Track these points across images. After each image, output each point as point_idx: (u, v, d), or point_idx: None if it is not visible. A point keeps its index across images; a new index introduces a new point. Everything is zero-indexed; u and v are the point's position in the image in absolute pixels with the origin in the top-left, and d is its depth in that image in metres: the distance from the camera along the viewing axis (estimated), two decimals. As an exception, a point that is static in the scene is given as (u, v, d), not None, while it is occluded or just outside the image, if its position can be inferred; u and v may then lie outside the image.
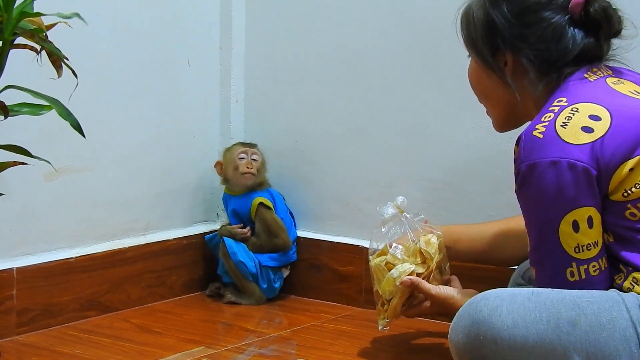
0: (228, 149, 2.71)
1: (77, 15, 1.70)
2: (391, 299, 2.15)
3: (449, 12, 2.45)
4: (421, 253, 2.15)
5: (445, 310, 2.11)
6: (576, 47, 1.87)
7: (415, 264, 2.14)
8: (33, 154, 1.79)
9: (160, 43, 2.64)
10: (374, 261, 2.18)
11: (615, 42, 1.91)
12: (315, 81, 2.70)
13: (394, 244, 2.17)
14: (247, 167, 2.65)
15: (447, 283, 2.16)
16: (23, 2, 1.67)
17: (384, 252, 2.18)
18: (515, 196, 1.84)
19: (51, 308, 2.38)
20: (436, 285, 2.13)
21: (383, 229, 2.19)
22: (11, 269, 2.31)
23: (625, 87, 1.86)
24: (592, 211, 1.76)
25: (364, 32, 2.61)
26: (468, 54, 1.99)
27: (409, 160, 2.55)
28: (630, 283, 1.76)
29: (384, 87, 2.59)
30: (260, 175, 2.68)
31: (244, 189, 2.67)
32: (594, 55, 1.89)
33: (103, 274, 2.50)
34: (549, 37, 1.87)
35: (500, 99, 1.96)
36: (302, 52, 2.72)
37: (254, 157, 2.67)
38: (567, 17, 1.87)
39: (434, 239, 2.16)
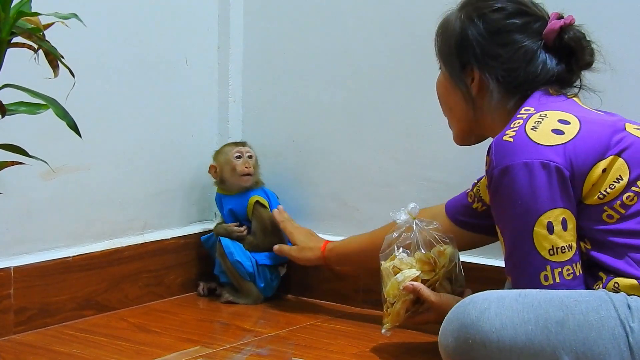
0: (219, 152, 2.69)
1: (75, 16, 1.70)
2: (395, 302, 2.15)
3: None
4: (431, 261, 2.15)
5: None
6: (546, 72, 1.92)
7: (423, 271, 2.14)
8: (30, 152, 1.78)
9: (158, 42, 2.64)
10: (383, 265, 2.18)
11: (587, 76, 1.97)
12: (313, 80, 2.70)
13: (401, 249, 2.18)
14: (246, 167, 2.64)
15: (460, 295, 2.15)
16: (20, 1, 1.66)
17: (394, 257, 2.18)
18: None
19: (48, 307, 2.38)
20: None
21: (395, 234, 2.20)
22: (8, 268, 2.31)
23: (581, 103, 1.93)
24: (567, 214, 1.77)
25: (362, 31, 2.61)
26: (439, 65, 2.03)
27: (406, 160, 2.55)
28: (613, 288, 1.76)
29: (381, 86, 2.59)
30: (256, 174, 2.68)
31: (241, 188, 2.67)
32: (562, 81, 1.94)
33: (100, 273, 2.50)
34: (520, 59, 1.92)
35: (462, 114, 2.01)
36: (300, 52, 2.72)
37: (249, 154, 2.67)
38: (540, 42, 1.92)
39: (449, 250, 2.16)
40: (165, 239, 2.67)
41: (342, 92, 2.66)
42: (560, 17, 1.94)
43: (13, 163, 1.82)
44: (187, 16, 2.71)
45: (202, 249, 2.74)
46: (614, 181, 1.77)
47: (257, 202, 2.65)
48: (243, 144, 2.70)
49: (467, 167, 2.47)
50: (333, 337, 2.36)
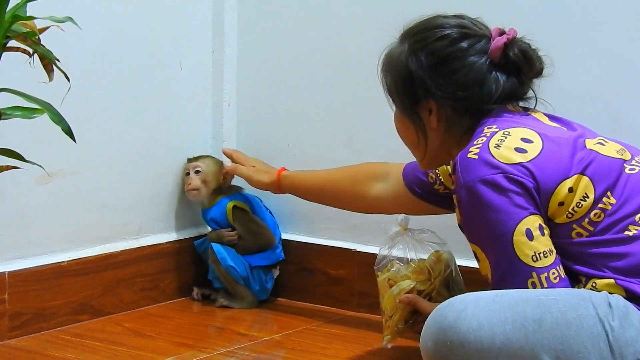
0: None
1: (71, 19, 1.70)
2: (392, 315, 2.15)
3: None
4: (426, 270, 2.14)
5: None
6: (499, 90, 1.90)
7: (417, 281, 2.13)
8: (25, 157, 1.78)
9: (152, 46, 2.64)
10: (379, 278, 2.18)
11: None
12: (308, 84, 2.70)
13: (395, 261, 2.17)
14: (188, 184, 2.65)
15: None
16: (15, 5, 1.66)
17: (388, 269, 2.18)
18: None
19: (43, 312, 2.38)
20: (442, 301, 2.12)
21: (388, 246, 2.19)
22: (3, 273, 2.31)
23: (542, 117, 1.92)
24: (541, 220, 1.78)
25: (356, 35, 2.61)
26: (390, 103, 2.01)
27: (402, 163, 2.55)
28: (591, 287, 1.77)
29: (376, 89, 2.57)
30: (210, 185, 2.66)
31: (210, 199, 2.66)
32: (517, 95, 1.93)
33: (95, 277, 2.50)
34: (472, 83, 1.90)
35: (425, 146, 1.98)
36: (295, 55, 2.72)
37: (197, 169, 2.66)
38: (488, 61, 1.90)
39: (444, 256, 2.16)
40: (161, 243, 2.67)
41: (336, 95, 2.66)
42: (502, 32, 1.91)
43: (8, 167, 1.81)
44: (182, 20, 2.71)
45: (197, 253, 2.73)
46: (581, 199, 1.78)
47: (235, 206, 2.65)
48: (196, 158, 2.69)
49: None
50: (328, 341, 2.36)
